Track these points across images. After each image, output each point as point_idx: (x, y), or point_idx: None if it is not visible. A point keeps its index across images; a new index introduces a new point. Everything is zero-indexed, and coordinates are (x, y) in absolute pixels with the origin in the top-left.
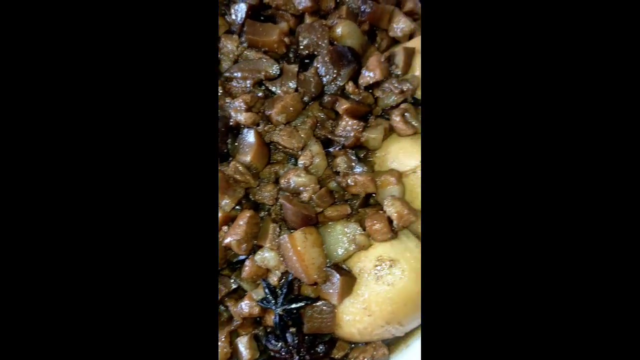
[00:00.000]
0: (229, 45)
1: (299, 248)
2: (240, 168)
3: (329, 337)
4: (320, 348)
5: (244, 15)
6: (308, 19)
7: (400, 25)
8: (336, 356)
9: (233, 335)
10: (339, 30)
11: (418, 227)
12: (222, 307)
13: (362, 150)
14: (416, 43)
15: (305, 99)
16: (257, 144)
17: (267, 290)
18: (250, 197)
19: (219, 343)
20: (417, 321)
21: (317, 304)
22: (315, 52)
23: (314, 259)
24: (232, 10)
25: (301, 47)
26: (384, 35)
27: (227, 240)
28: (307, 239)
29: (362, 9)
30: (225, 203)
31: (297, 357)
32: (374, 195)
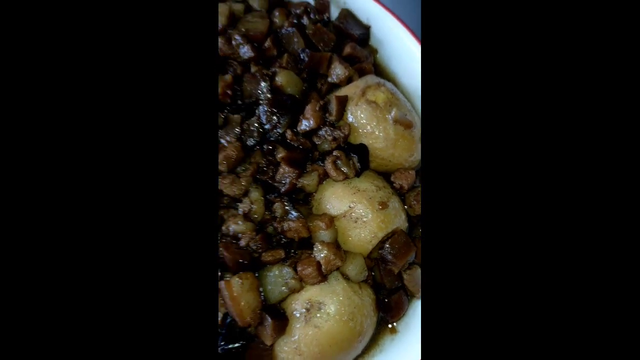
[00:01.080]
0: None
1: (234, 293)
2: None
3: None
4: None
5: None
6: (252, 68)
7: (337, 71)
8: None
9: None
10: (278, 79)
11: (346, 269)
12: None
13: (299, 192)
14: (350, 90)
15: (250, 143)
16: None
17: None
18: None
19: None
20: None
21: (253, 343)
22: (257, 101)
23: (248, 302)
24: None
25: (245, 95)
26: (323, 80)
27: None
28: (243, 284)
29: (301, 57)
30: None
31: None
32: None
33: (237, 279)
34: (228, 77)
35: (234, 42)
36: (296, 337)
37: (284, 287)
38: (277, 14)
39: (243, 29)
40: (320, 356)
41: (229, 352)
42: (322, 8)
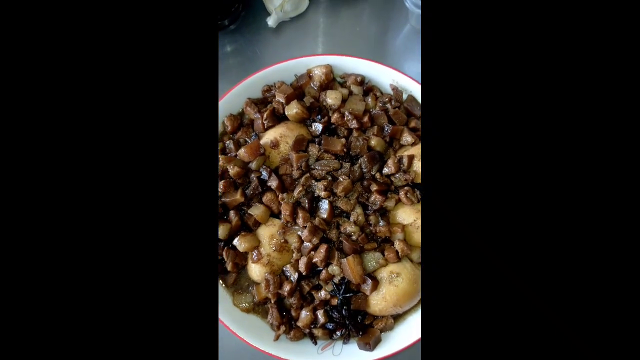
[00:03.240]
0: (314, 151)
1: (351, 266)
2: (321, 221)
3: (363, 312)
4: (359, 317)
5: (320, 131)
6: (355, 133)
7: (407, 138)
8: (366, 322)
9: (314, 309)
10: (372, 142)
11: (411, 255)
12: (307, 294)
13: (383, 210)
14: (415, 150)
15: (355, 180)
16: (329, 209)
17: (334, 286)
18: (325, 236)
19: (307, 313)
20: (409, 306)
21: (359, 294)
22: (359, 154)
23: (358, 271)
24: (313, 126)
25: (351, 151)
26: (397, 142)
27: (315, 260)
28: (355, 261)
29: (386, 129)
30: (314, 240)
31: (347, 322)
32: (389, 237)
33: (352, 258)
34: (343, 140)
35: (345, 118)
36: (383, 291)
37: (376, 263)
38: (369, 99)
39: (350, 109)
40: (396, 302)
41: (345, 298)
42: (398, 96)
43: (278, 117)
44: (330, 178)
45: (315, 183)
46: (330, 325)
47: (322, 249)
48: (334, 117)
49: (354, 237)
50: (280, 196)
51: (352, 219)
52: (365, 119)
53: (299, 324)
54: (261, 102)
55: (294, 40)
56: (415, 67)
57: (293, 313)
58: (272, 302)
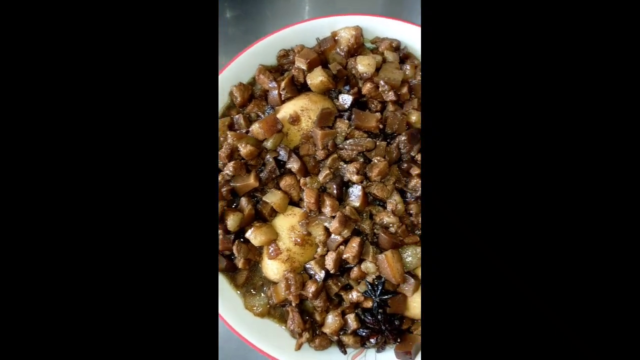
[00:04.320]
0: (342, 127)
1: (390, 263)
2: (353, 210)
3: (399, 316)
4: (396, 322)
5: (350, 104)
6: (391, 107)
7: None
8: (404, 327)
9: (342, 313)
10: (413, 118)
11: None
12: (335, 296)
13: None
14: None
15: (390, 162)
16: (362, 195)
17: (369, 286)
18: (356, 227)
19: (335, 317)
20: None
21: (397, 295)
22: (397, 132)
23: (398, 269)
24: (340, 98)
25: (387, 128)
26: None
27: (346, 256)
28: (394, 257)
29: None
30: (345, 232)
31: (383, 327)
32: None
33: (391, 253)
34: (378, 115)
35: (380, 88)
36: None
37: (417, 260)
38: (407, 67)
39: (385, 78)
40: None
41: (382, 301)
42: None
43: (298, 88)
44: (362, 160)
45: (345, 165)
46: (362, 332)
47: (355, 242)
48: (366, 87)
49: (392, 229)
50: (302, 181)
51: (389, 207)
52: (404, 90)
53: (326, 330)
54: (276, 71)
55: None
56: None
57: (317, 317)
58: (293, 305)
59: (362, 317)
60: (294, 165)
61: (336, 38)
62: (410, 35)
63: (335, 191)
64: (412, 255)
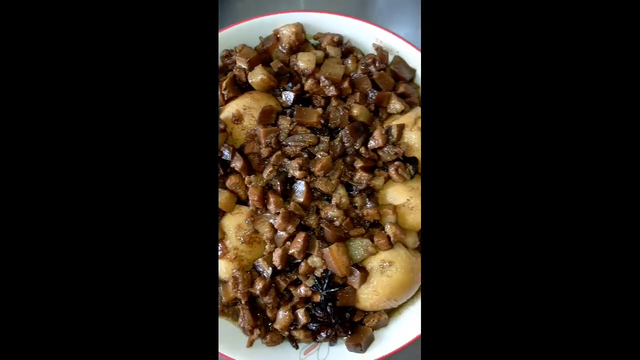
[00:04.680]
0: (285, 124)
1: (335, 256)
2: (297, 206)
3: (351, 308)
4: (347, 315)
5: (292, 100)
6: (334, 102)
7: (396, 105)
8: (356, 319)
9: (293, 308)
10: (355, 111)
11: (405, 240)
12: (285, 291)
13: (370, 189)
14: (405, 119)
15: (335, 156)
16: (306, 191)
17: (316, 281)
18: (302, 222)
19: (285, 312)
20: (405, 298)
21: (345, 288)
22: (340, 126)
23: (344, 262)
24: (283, 95)
25: (330, 122)
26: (384, 111)
27: (292, 251)
28: (339, 250)
29: (370, 95)
30: (289, 228)
31: (333, 321)
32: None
33: (336, 246)
34: (320, 110)
35: (321, 83)
36: (374, 283)
37: (364, 252)
38: (349, 61)
39: (326, 73)
40: (390, 295)
41: (329, 294)
42: (382, 57)
43: (240, 87)
44: (306, 155)
45: (289, 162)
46: (313, 326)
47: (300, 238)
48: (308, 83)
49: (337, 223)
50: (247, 179)
51: (334, 201)
52: (345, 84)
53: (276, 325)
54: (220, 71)
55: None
56: (404, 28)
57: (269, 314)
58: (243, 302)
59: (313, 311)
60: (237, 164)
61: (278, 36)
62: (353, 30)
63: (279, 187)
64: (359, 248)
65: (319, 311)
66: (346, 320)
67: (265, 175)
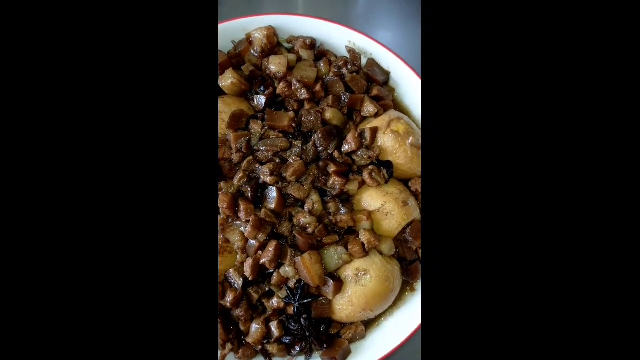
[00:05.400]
0: (256, 128)
1: (307, 265)
2: (268, 213)
3: (327, 320)
4: (322, 327)
5: (263, 105)
6: (306, 105)
7: (369, 108)
8: (332, 332)
9: (266, 321)
10: (327, 115)
11: (380, 247)
12: (258, 303)
13: (345, 195)
14: (378, 122)
15: (308, 160)
16: (278, 197)
17: (288, 292)
18: (274, 230)
19: (258, 325)
20: (382, 309)
21: (319, 299)
22: (313, 130)
23: (317, 271)
24: (255, 99)
25: (303, 126)
26: (358, 114)
27: (263, 261)
28: (312, 259)
29: (343, 98)
30: (260, 236)
31: (308, 334)
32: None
33: (308, 255)
34: (291, 113)
35: (293, 87)
36: (349, 293)
37: (339, 260)
38: (322, 64)
39: (299, 76)
40: (365, 305)
41: (303, 305)
42: (355, 59)
43: None
44: (278, 160)
45: (260, 167)
46: (286, 339)
47: (271, 246)
48: (280, 87)
49: (309, 230)
50: (218, 186)
51: (306, 207)
52: (318, 87)
53: (249, 339)
54: None
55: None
56: (382, 34)
57: (242, 327)
58: None
59: (286, 324)
60: None
61: (250, 39)
62: (326, 32)
63: (250, 194)
64: (333, 256)
65: (292, 324)
66: (321, 332)
67: (236, 181)
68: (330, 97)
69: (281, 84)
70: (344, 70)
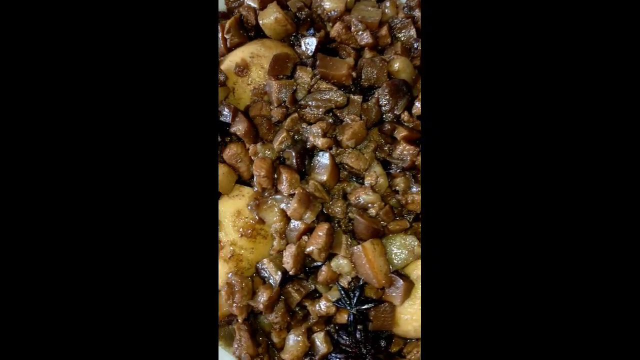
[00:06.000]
0: (304, 77)
1: (370, 257)
2: (318, 186)
3: (387, 334)
4: (382, 343)
5: (314, 49)
6: (368, 54)
7: None
8: (392, 350)
9: (309, 332)
10: (395, 66)
11: None
12: (299, 306)
13: (415, 169)
14: None
15: (369, 123)
16: (332, 166)
17: (342, 293)
18: (324, 210)
19: (299, 338)
20: None
21: (381, 305)
22: (375, 85)
23: (381, 266)
24: (303, 43)
25: (363, 79)
26: None
27: (309, 249)
28: (375, 249)
29: (415, 46)
30: (307, 216)
31: (365, 351)
32: None
33: (370, 244)
34: (351, 60)
35: (353, 28)
36: (421, 299)
37: (409, 254)
38: (387, 4)
39: (359, 16)
40: None
41: (361, 313)
42: None
43: (248, 32)
44: (331, 120)
45: (308, 127)
46: (336, 357)
47: (321, 230)
48: (335, 28)
49: (372, 212)
50: (251, 149)
51: (367, 182)
52: (383, 31)
53: (285, 355)
54: (223, 17)
55: None
56: None
57: (275, 338)
58: (240, 320)
59: (336, 336)
60: (239, 127)
61: None
62: None
63: (295, 161)
64: (401, 248)
65: (344, 336)
66: (381, 349)
67: (276, 144)
68: (399, 44)
69: (337, 25)
70: (417, 13)
